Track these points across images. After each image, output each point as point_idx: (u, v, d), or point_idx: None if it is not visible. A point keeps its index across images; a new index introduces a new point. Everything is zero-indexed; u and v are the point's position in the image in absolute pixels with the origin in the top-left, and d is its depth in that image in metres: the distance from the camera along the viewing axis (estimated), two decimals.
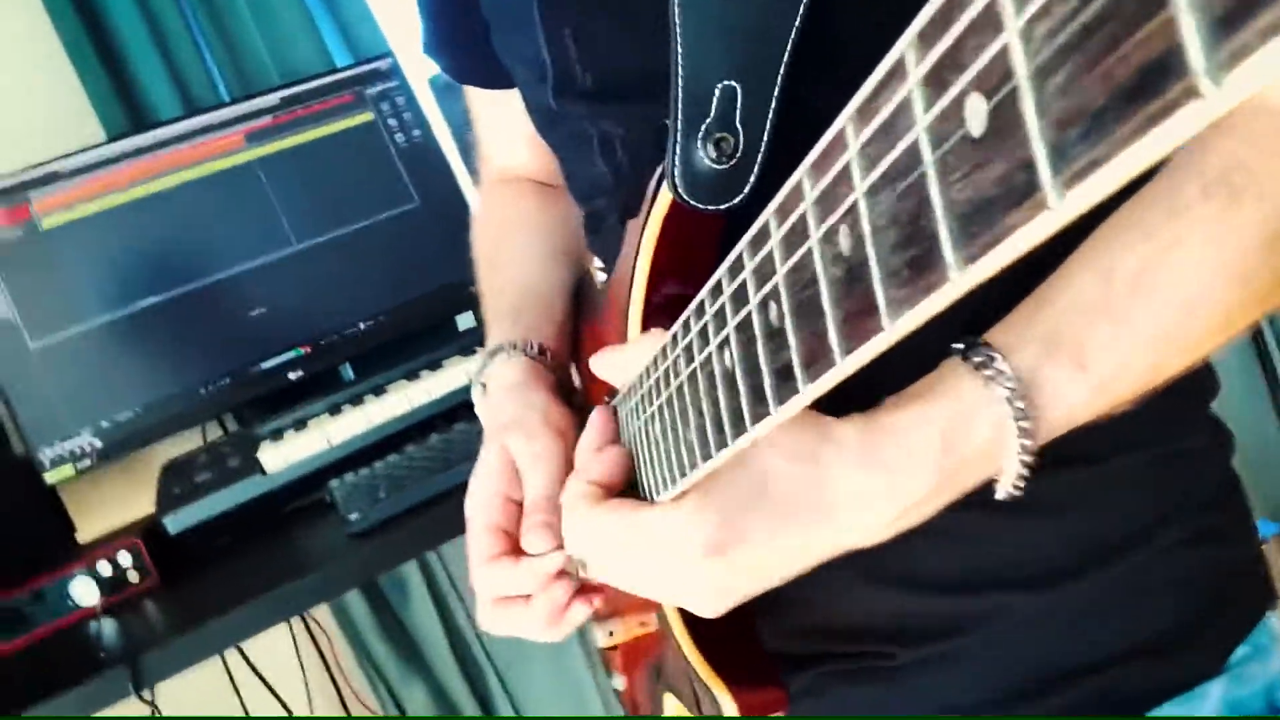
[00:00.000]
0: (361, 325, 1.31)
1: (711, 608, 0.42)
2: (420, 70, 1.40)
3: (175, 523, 1.10)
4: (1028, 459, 0.37)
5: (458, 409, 1.15)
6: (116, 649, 0.97)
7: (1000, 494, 0.38)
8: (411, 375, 1.23)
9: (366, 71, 1.36)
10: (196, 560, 1.12)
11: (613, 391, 0.51)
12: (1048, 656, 0.50)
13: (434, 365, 1.23)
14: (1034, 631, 0.50)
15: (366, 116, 1.34)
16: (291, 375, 1.28)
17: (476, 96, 0.73)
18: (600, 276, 0.60)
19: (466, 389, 1.14)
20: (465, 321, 1.43)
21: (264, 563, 1.09)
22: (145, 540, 1.10)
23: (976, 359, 0.37)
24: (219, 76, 1.39)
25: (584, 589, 0.52)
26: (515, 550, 0.53)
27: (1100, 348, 0.37)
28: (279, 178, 1.30)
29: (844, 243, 0.21)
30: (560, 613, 0.52)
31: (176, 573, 1.10)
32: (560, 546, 0.50)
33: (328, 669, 1.45)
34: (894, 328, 0.20)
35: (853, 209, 0.21)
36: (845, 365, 0.22)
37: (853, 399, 0.37)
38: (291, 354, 1.29)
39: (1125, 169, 0.17)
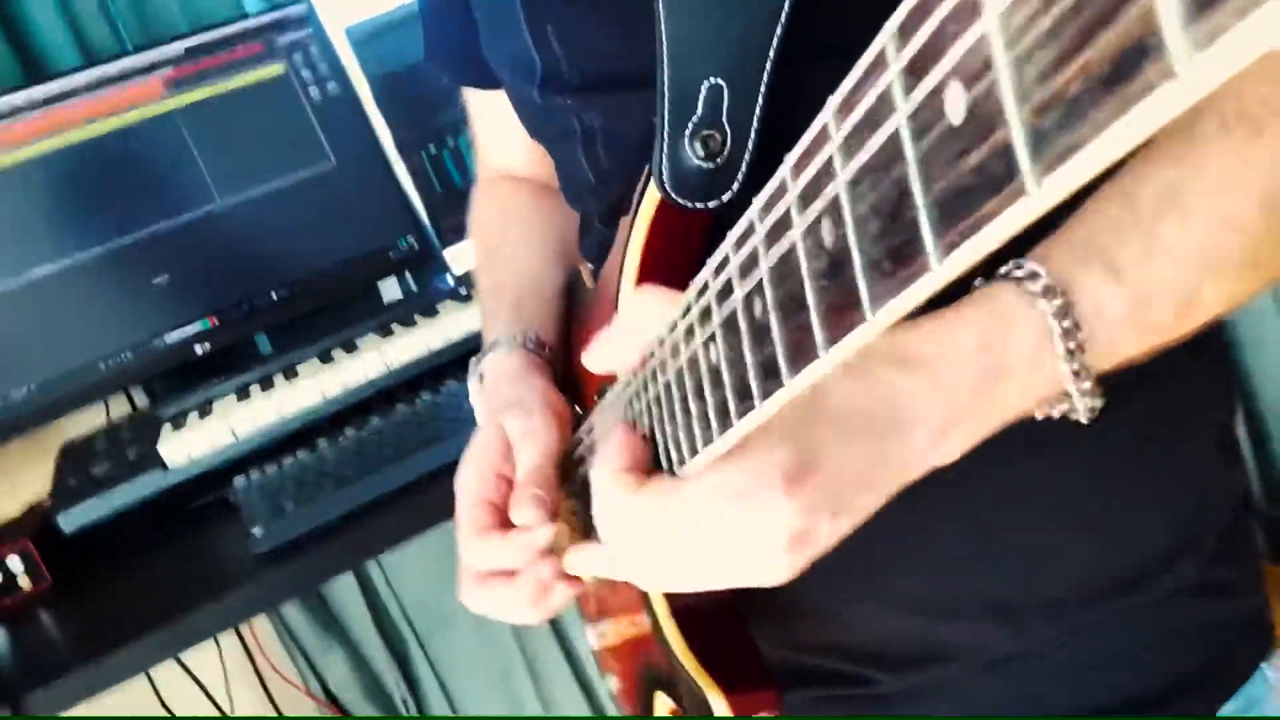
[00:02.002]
0: (274, 295, 1.27)
1: (789, 563, 0.39)
2: (338, 18, 1.34)
3: (69, 521, 1.07)
4: (1080, 368, 0.36)
5: (372, 400, 1.14)
6: (3, 668, 0.95)
7: (1083, 416, 0.38)
8: (325, 357, 1.20)
9: (278, 19, 1.31)
10: (93, 560, 1.10)
11: (603, 389, 0.51)
12: (1028, 699, 0.52)
13: (349, 347, 1.21)
14: (1015, 670, 0.51)
15: (278, 69, 1.30)
16: (198, 348, 1.24)
17: (475, 98, 0.74)
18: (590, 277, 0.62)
19: (382, 379, 1.14)
20: (390, 291, 1.40)
21: (166, 570, 1.06)
22: (38, 538, 1.07)
23: (1003, 269, 0.38)
24: (120, 25, 1.31)
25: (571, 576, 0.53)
26: (505, 525, 0.53)
27: (1133, 259, 0.37)
28: (181, 136, 1.25)
29: (827, 235, 0.22)
30: (545, 591, 0.52)
31: (71, 574, 1.08)
32: (551, 519, 0.51)
33: (241, 639, 1.43)
34: (876, 319, 0.20)
35: (835, 202, 0.21)
36: (829, 358, 0.23)
37: None
38: (198, 326, 1.25)
39: (1103, 154, 0.18)
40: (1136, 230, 0.37)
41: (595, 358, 0.46)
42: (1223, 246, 0.37)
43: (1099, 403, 0.38)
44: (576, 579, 0.52)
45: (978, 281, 0.38)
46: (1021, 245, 0.37)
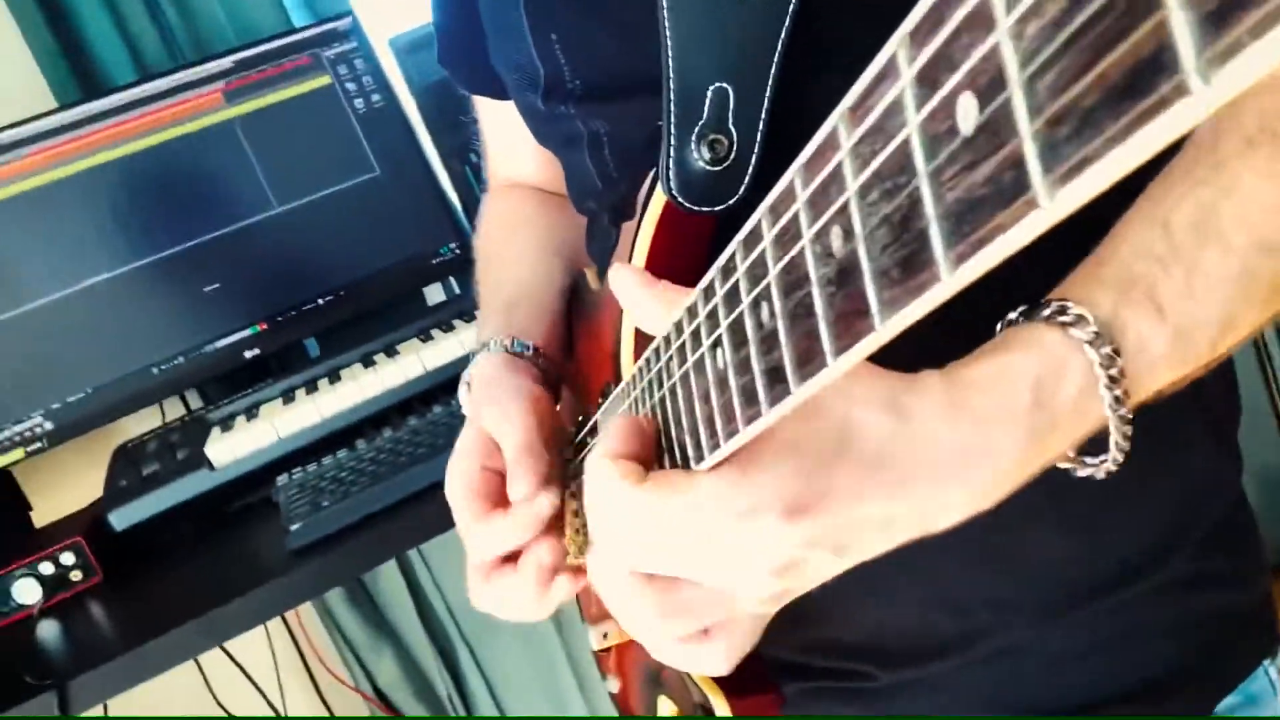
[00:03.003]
0: (320, 301, 1.29)
1: (772, 589, 0.37)
2: (382, 30, 1.37)
3: (120, 519, 1.10)
4: (1125, 414, 0.35)
5: (411, 401, 1.16)
6: (53, 659, 0.98)
7: (1112, 462, 0.36)
8: (368, 361, 1.23)
9: (323, 32, 1.34)
10: (141, 556, 1.13)
11: (605, 389, 0.51)
12: (1024, 694, 0.51)
13: (390, 351, 1.23)
14: (1012, 665, 0.51)
15: (324, 80, 1.32)
16: (247, 354, 1.27)
17: (485, 107, 0.74)
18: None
19: (420, 379, 1.16)
20: (434, 295, 1.42)
21: (209, 566, 1.10)
22: (90, 534, 1.10)
23: (1047, 312, 0.36)
24: (173, 40, 1.35)
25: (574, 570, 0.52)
26: (500, 510, 0.53)
27: (1176, 291, 0.35)
28: (230, 149, 1.28)
29: (836, 243, 0.22)
30: (548, 575, 0.51)
31: (121, 569, 1.11)
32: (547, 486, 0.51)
33: (293, 638, 1.45)
34: (885, 328, 0.21)
35: (844, 209, 0.21)
36: (837, 366, 0.23)
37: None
38: (247, 331, 1.28)
39: (1115, 168, 0.18)
40: (1177, 262, 0.36)
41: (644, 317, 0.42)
42: (1259, 270, 0.36)
43: (1122, 457, 0.36)
44: (579, 570, 0.51)
45: (1013, 316, 0.37)
46: (1031, 256, 0.37)
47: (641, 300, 0.41)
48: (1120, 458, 0.36)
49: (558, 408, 0.60)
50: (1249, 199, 0.36)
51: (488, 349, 0.60)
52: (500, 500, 0.54)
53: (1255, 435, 1.63)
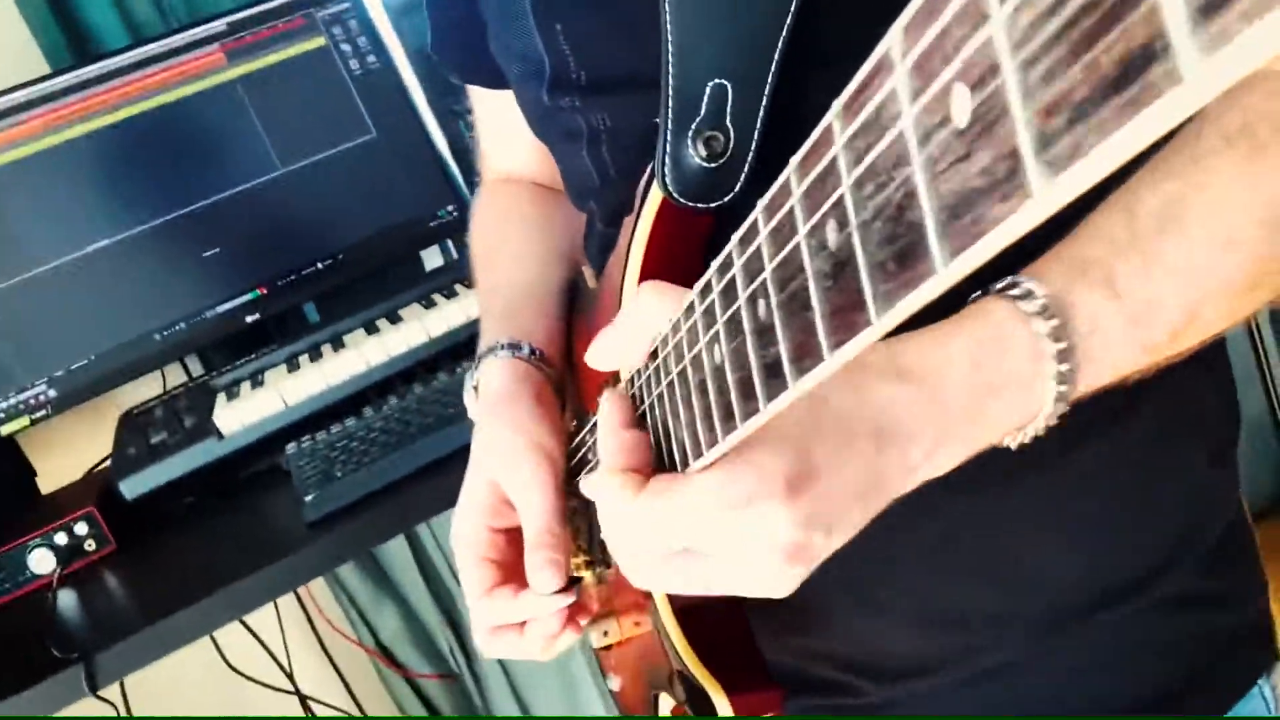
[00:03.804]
0: (319, 264, 1.29)
1: (789, 576, 0.39)
2: None
3: (131, 488, 1.11)
4: (1066, 390, 0.36)
5: (414, 369, 1.16)
6: (73, 630, 0.99)
7: (1028, 435, 0.38)
8: (370, 328, 1.23)
9: None
10: (153, 524, 1.14)
11: (604, 388, 0.51)
12: (1018, 711, 0.52)
13: (393, 318, 1.23)
14: (1006, 682, 0.51)
15: (319, 41, 1.31)
16: (248, 319, 1.28)
17: (480, 97, 0.73)
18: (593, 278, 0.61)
19: (423, 348, 1.16)
20: (431, 259, 1.41)
21: (223, 535, 1.10)
22: (102, 503, 1.11)
23: (1000, 285, 0.37)
24: (167, 3, 1.34)
25: (573, 611, 0.54)
26: (507, 580, 0.55)
27: (1131, 275, 0.37)
28: (227, 111, 1.27)
29: (831, 237, 0.22)
30: (553, 640, 0.54)
31: (133, 538, 1.12)
32: (566, 587, 0.52)
33: (298, 598, 1.48)
34: (881, 322, 0.21)
35: (840, 203, 0.21)
36: (834, 360, 0.23)
37: None
38: (248, 296, 1.28)
39: (1109, 157, 0.18)
40: (1135, 247, 0.37)
41: (599, 354, 0.45)
42: (1222, 265, 0.37)
43: (1039, 432, 0.37)
44: (578, 621, 0.54)
45: (975, 295, 0.38)
46: (1026, 248, 0.37)
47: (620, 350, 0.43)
48: (1038, 431, 0.38)
49: (566, 414, 0.60)
50: (1218, 196, 0.37)
51: (495, 354, 0.60)
52: (509, 566, 0.55)
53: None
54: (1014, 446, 0.39)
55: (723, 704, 0.52)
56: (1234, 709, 0.53)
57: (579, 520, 0.55)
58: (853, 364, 0.37)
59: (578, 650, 1.61)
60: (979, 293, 0.38)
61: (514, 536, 0.55)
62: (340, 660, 1.56)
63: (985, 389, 0.37)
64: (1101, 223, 0.38)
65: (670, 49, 0.43)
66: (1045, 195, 0.18)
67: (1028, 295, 0.36)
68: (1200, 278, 0.37)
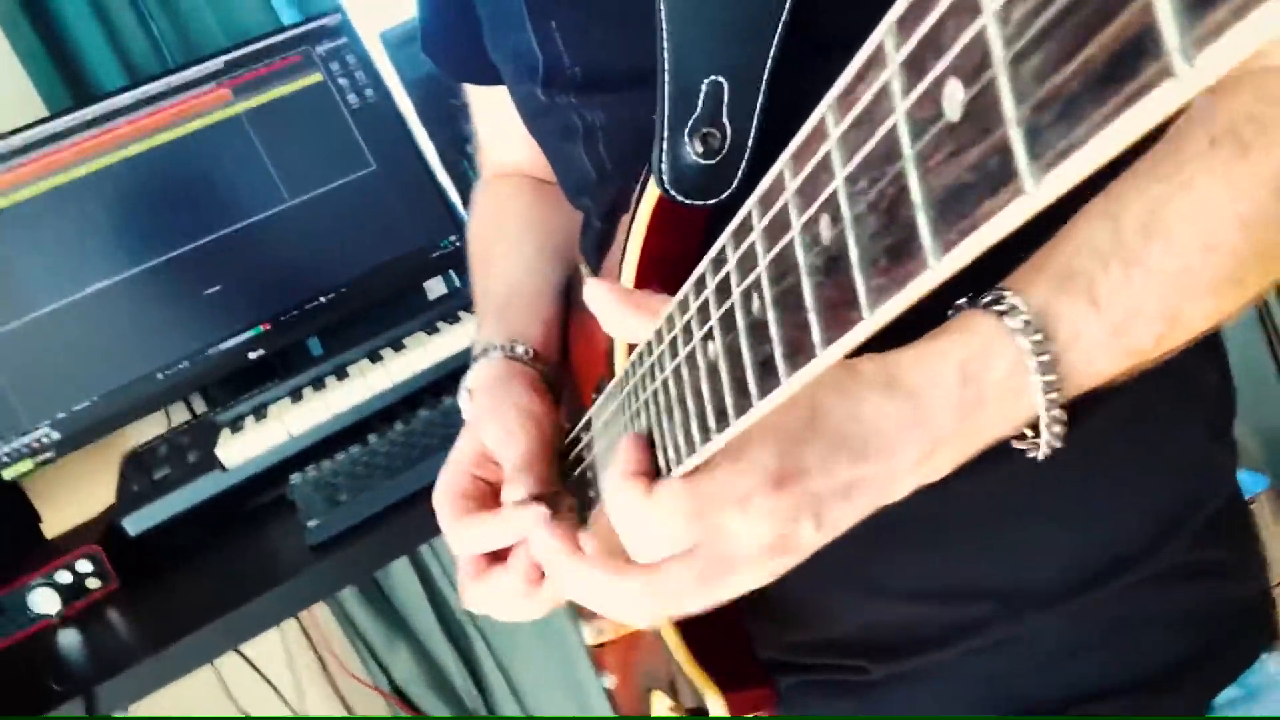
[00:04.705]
0: (323, 299, 1.29)
1: (770, 569, 0.40)
2: (372, 25, 1.37)
3: (135, 524, 1.10)
4: (1056, 398, 0.37)
5: (419, 394, 1.16)
6: (75, 668, 0.98)
7: (1042, 449, 0.39)
8: (374, 356, 1.23)
9: (313, 29, 1.33)
10: (158, 560, 1.13)
11: (600, 384, 0.51)
12: (1019, 685, 0.51)
13: (396, 345, 1.23)
14: (1006, 655, 0.51)
15: (316, 77, 1.32)
16: (251, 355, 1.28)
17: (475, 94, 0.74)
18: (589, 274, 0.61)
19: (428, 373, 1.16)
20: (435, 288, 1.42)
21: (227, 567, 1.10)
22: (105, 541, 1.10)
23: (986, 299, 0.38)
24: (162, 43, 1.35)
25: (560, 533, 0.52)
26: (487, 510, 0.54)
27: (1114, 286, 0.37)
28: (228, 148, 1.28)
29: (824, 232, 0.22)
30: (537, 571, 0.52)
31: (137, 575, 1.11)
32: (539, 497, 0.51)
33: (308, 638, 1.46)
34: (874, 317, 0.21)
35: (832, 197, 0.21)
36: (826, 356, 0.23)
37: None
38: (251, 333, 1.28)
39: (1101, 151, 0.18)
40: (1118, 256, 0.37)
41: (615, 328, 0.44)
42: (1204, 268, 0.38)
43: (1059, 442, 0.38)
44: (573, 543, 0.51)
45: (961, 301, 0.39)
46: (1018, 242, 0.38)
47: (619, 314, 0.42)
48: (1055, 442, 0.39)
49: (560, 410, 0.60)
50: (1201, 198, 0.37)
51: (487, 355, 0.60)
52: (482, 500, 0.54)
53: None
54: (1039, 458, 0.39)
55: (716, 703, 0.51)
56: (1239, 680, 0.52)
57: (576, 514, 0.54)
58: (847, 374, 0.38)
59: (597, 691, 1.59)
60: (964, 300, 0.39)
61: (497, 491, 0.55)
62: (356, 705, 1.54)
63: (974, 402, 0.38)
64: (1085, 230, 0.38)
65: (666, 46, 0.43)
66: (1038, 190, 0.18)
67: (1012, 310, 0.37)
68: (1183, 282, 0.38)
